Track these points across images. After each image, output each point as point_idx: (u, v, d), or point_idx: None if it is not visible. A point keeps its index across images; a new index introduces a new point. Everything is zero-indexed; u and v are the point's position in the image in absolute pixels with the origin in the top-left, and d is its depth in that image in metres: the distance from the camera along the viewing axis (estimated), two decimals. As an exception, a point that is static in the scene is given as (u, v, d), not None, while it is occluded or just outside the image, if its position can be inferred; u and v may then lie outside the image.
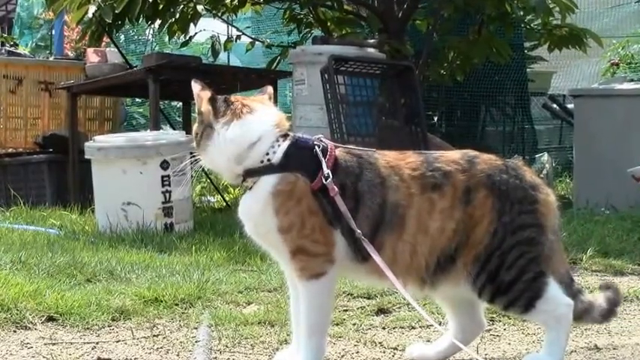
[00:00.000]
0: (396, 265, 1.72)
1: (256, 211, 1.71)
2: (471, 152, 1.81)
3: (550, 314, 1.75)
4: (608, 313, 1.82)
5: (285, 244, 1.71)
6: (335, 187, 1.68)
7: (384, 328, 2.21)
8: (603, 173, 4.57)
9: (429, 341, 2.04)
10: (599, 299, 1.82)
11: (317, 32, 5.63)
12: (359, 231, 1.68)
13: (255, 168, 1.71)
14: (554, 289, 1.75)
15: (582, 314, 1.79)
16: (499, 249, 1.73)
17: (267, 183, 1.70)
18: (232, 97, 1.77)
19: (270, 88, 1.84)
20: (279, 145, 1.71)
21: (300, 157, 1.71)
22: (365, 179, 1.72)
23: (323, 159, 1.69)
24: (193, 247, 3.22)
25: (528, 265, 1.74)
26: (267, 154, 1.71)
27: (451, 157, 1.79)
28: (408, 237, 1.71)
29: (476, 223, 1.73)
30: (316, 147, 1.72)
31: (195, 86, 1.78)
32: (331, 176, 1.68)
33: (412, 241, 1.71)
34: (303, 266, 1.70)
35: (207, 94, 1.75)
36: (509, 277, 1.73)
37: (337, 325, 2.20)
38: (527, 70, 6.61)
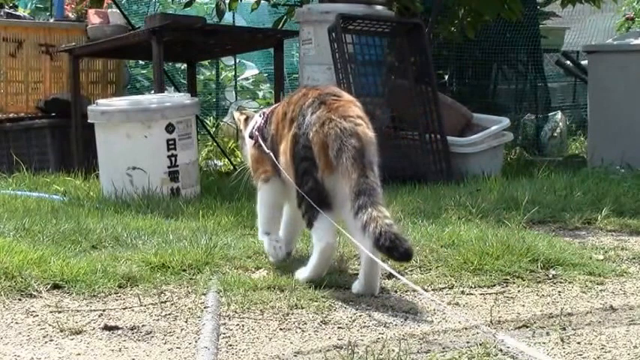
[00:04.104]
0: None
1: None
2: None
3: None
4: None
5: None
6: (258, 139, 2.33)
7: (395, 292, 2.18)
8: (618, 131, 4.50)
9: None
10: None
11: (324, -10, 5.48)
12: (278, 162, 2.22)
13: None
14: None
15: None
16: None
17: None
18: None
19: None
20: None
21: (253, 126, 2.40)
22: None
23: (258, 122, 2.38)
24: (200, 212, 3.18)
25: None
26: None
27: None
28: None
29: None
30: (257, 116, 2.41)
31: (236, 114, 2.59)
32: (255, 134, 2.35)
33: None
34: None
35: (243, 116, 2.52)
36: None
37: (348, 289, 2.17)
38: (540, 26, 6.46)
